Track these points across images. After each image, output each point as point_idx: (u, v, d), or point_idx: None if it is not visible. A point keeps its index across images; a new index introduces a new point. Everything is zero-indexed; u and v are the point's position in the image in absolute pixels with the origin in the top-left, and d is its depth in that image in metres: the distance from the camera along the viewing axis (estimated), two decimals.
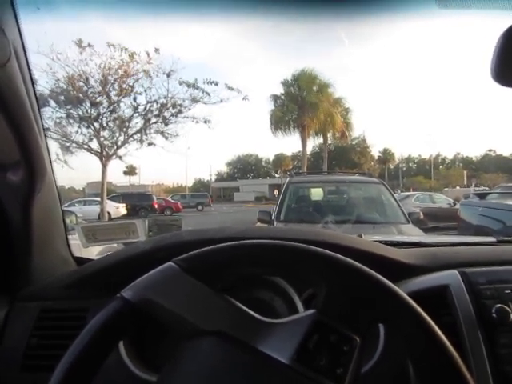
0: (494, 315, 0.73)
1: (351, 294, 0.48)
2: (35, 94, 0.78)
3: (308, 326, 0.47)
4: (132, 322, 0.48)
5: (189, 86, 10.49)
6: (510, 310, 0.72)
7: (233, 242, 0.53)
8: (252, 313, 0.50)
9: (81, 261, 1.05)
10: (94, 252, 1.31)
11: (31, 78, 0.76)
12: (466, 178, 37.57)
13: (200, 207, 27.72)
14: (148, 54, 10.26)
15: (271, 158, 45.30)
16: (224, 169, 56.79)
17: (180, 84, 10.52)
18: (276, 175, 44.40)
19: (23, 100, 0.71)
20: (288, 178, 5.22)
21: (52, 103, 10.01)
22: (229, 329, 0.48)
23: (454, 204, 12.04)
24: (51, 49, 9.24)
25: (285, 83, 24.52)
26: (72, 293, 0.88)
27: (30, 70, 0.75)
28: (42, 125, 0.81)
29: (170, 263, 0.51)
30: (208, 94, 10.49)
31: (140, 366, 0.78)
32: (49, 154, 0.86)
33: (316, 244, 0.53)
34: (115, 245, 1.29)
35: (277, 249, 0.53)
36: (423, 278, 0.86)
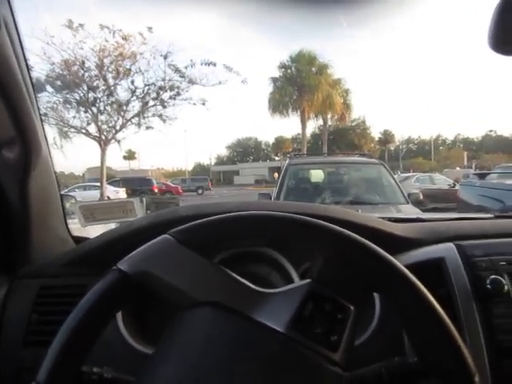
0: (489, 286, 0.73)
1: (347, 264, 0.48)
2: (27, 68, 0.76)
3: (303, 294, 0.47)
4: (128, 293, 0.48)
5: (179, 71, 10.38)
6: (504, 281, 0.73)
7: (229, 214, 0.52)
8: (247, 283, 0.50)
9: (79, 240, 1.06)
10: (93, 234, 1.31)
11: (23, 51, 0.74)
12: (466, 159, 37.44)
13: (200, 191, 27.76)
14: (141, 35, 10.16)
15: (271, 140, 45.11)
16: (224, 152, 56.63)
17: (176, 71, 10.43)
18: (276, 158, 44.21)
19: (14, 71, 0.69)
20: (287, 160, 5.19)
21: (48, 88, 9.94)
22: (224, 299, 0.48)
23: (454, 185, 12.02)
24: (45, 33, 9.14)
25: (283, 66, 24.21)
26: (71, 270, 0.89)
27: (21, 42, 0.73)
28: (36, 99, 0.80)
29: (165, 235, 0.51)
30: (206, 75, 10.44)
31: (139, 339, 0.79)
32: (43, 130, 0.85)
33: (314, 217, 0.52)
34: (113, 225, 1.29)
35: (274, 220, 0.52)
36: (419, 250, 0.86)
